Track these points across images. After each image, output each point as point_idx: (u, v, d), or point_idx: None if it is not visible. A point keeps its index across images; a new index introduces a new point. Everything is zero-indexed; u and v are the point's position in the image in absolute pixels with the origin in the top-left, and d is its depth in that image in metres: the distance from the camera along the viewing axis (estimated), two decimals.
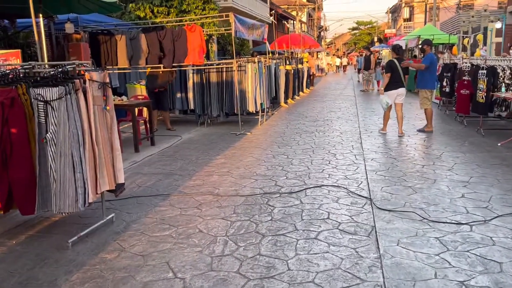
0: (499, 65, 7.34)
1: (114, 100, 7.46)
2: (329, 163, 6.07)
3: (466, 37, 13.82)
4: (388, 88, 7.86)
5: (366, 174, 5.40)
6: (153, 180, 5.49)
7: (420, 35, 16.33)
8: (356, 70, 30.66)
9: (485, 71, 7.47)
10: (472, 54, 12.71)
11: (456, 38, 18.31)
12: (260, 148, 7.27)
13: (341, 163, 6.02)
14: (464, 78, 8.68)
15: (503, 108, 7.38)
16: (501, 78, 7.20)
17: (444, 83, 10.39)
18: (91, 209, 4.21)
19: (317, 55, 40.24)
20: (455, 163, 5.77)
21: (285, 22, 34.89)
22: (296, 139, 7.93)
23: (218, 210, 4.27)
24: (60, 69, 3.56)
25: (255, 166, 6.02)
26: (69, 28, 7.45)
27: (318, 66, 33.69)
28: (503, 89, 7.18)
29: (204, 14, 11.82)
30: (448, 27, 29.28)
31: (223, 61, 10.05)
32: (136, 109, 7.82)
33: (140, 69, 10.07)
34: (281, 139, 8.05)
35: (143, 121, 8.20)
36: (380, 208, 4.16)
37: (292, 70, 14.79)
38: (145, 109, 8.29)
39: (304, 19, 45.35)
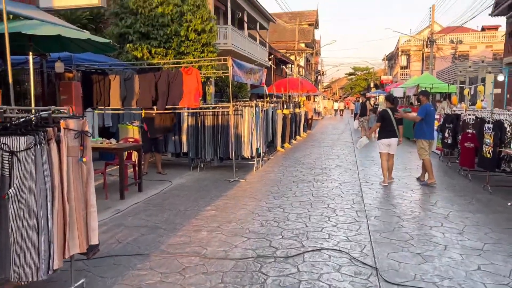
0: (506, 120, 7.05)
1: (102, 143, 7.08)
2: (328, 219, 5.60)
3: (467, 87, 13.73)
4: (380, 136, 7.95)
5: (370, 235, 4.93)
6: (136, 234, 4.99)
7: (419, 84, 16.30)
8: (353, 114, 30.77)
9: (491, 125, 7.18)
10: (472, 104, 12.56)
11: (454, 88, 18.34)
12: (254, 199, 6.81)
13: (342, 221, 5.55)
14: (468, 130, 8.39)
15: (511, 164, 7.03)
16: (509, 133, 6.90)
17: (446, 134, 10.12)
18: (60, 270, 3.69)
19: (314, 99, 40.55)
20: (465, 225, 5.32)
21: (283, 66, 35.34)
22: (292, 189, 7.49)
23: (203, 278, 3.76)
24: (33, 115, 3.18)
25: (248, 220, 5.54)
26: (59, 67, 7.18)
27: (315, 109, 33.83)
28: None
29: (202, 57, 11.69)
30: (444, 76, 29.66)
31: (219, 104, 9.77)
32: (125, 152, 7.42)
33: (134, 110, 9.77)
34: (277, 188, 7.61)
35: (131, 165, 7.77)
36: (388, 282, 3.67)
37: (290, 114, 14.56)
38: (134, 152, 7.88)
39: (302, 63, 46.09)
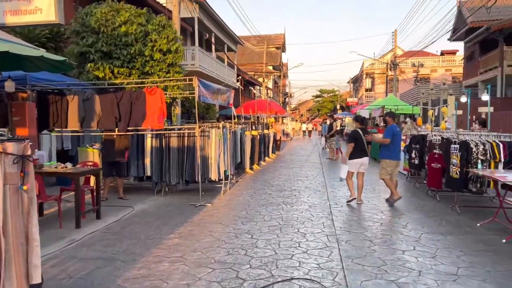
0: (472, 140, 7.11)
1: (56, 168, 6.59)
2: (299, 245, 5.34)
3: (431, 109, 14.04)
4: (352, 157, 7.98)
5: (342, 262, 4.69)
6: (90, 267, 4.55)
7: (384, 105, 16.58)
8: (320, 135, 31.06)
9: (457, 146, 7.22)
10: (437, 125, 12.81)
11: (418, 109, 18.80)
12: (221, 224, 6.48)
13: (313, 246, 5.30)
14: (434, 151, 8.44)
15: (478, 185, 7.06)
16: (475, 154, 6.94)
17: (413, 155, 10.17)
18: None
19: (282, 120, 40.80)
20: (437, 248, 5.18)
21: (251, 87, 35.49)
22: (261, 213, 7.21)
23: None
24: None
25: (214, 249, 5.20)
26: (9, 86, 6.71)
27: (283, 131, 33.97)
28: (479, 165, 6.89)
29: (168, 77, 11.39)
30: (407, 98, 30.57)
31: (185, 125, 9.45)
32: (83, 177, 6.95)
33: (93, 132, 9.29)
34: (245, 212, 7.31)
35: (89, 191, 7.28)
36: None
37: (258, 136, 14.40)
38: (92, 177, 7.40)
39: (270, 85, 46.54)
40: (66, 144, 10.27)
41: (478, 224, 6.31)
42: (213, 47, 23.95)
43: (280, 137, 20.27)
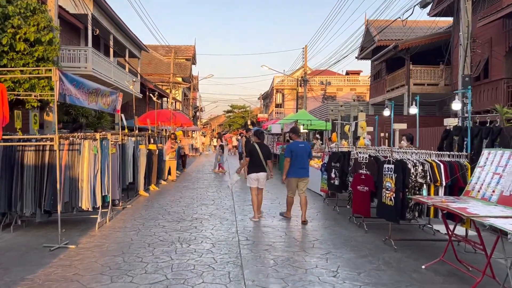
0: (409, 160, 5.87)
1: None
2: None
3: (346, 124, 13.16)
4: (249, 171, 7.90)
5: None
6: None
7: (297, 120, 15.48)
8: (235, 153, 29.31)
9: (392, 166, 5.94)
10: (355, 141, 11.90)
11: (329, 125, 18.11)
12: (77, 284, 4.32)
13: None
14: (361, 171, 7.16)
15: (416, 214, 5.83)
16: (413, 176, 5.70)
17: (333, 175, 8.89)
18: None
19: (192, 134, 38.65)
20: None
21: (151, 94, 32.88)
22: (144, 260, 5.17)
23: None
24: None
25: None
26: None
27: (192, 145, 31.82)
28: (424, 191, 5.64)
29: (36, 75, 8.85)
30: (316, 114, 30.46)
31: (43, 136, 7.05)
32: None
33: None
34: (122, 258, 5.21)
35: None
36: None
37: (157, 151, 12.25)
38: None
39: (179, 97, 44.20)
40: None
41: (423, 267, 4.99)
42: (111, 50, 21.23)
43: (185, 152, 18.20)
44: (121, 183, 9.26)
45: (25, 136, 7.00)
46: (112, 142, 8.46)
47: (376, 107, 25.37)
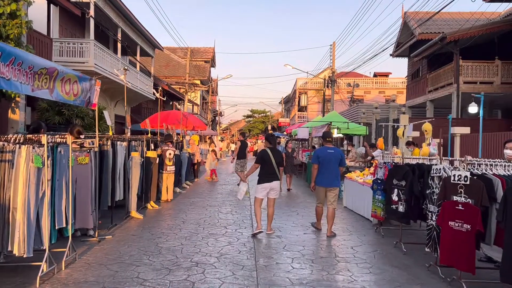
0: None
1: None
2: None
3: (398, 125, 10.45)
4: (259, 180, 7.08)
5: None
6: None
7: (331, 122, 12.80)
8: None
9: None
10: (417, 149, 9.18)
11: (365, 129, 15.39)
12: None
13: None
14: (456, 198, 4.50)
15: None
16: None
17: (395, 197, 6.25)
18: None
19: (209, 139, 36.29)
20: None
21: (175, 102, 30.77)
22: None
23: None
24: None
25: None
26: None
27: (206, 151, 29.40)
28: None
29: None
30: (345, 118, 27.71)
31: None
32: None
33: None
34: None
35: None
36: None
37: (157, 159, 9.79)
38: None
39: (198, 101, 42.09)
40: None
41: None
42: (119, 46, 19.03)
43: (198, 159, 15.76)
44: (99, 204, 6.83)
45: None
46: (85, 149, 6.04)
47: (414, 109, 22.43)
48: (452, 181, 4.55)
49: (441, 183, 4.81)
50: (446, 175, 4.77)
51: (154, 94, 16.54)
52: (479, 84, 17.36)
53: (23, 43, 7.91)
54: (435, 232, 4.95)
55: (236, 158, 13.41)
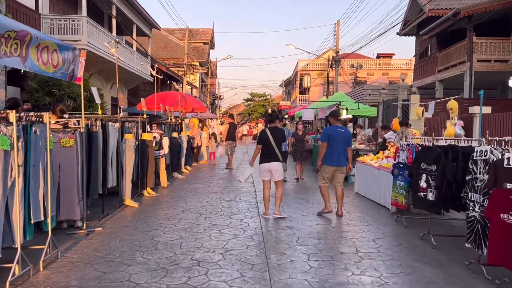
0: None
1: None
2: None
3: (415, 105, 9.63)
4: (260, 161, 6.78)
5: None
6: None
7: (340, 102, 11.97)
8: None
9: None
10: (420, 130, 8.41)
11: (375, 111, 14.56)
12: None
13: None
14: (510, 186, 3.74)
15: None
16: None
17: (423, 183, 5.49)
18: None
19: (209, 123, 35.44)
20: None
21: (173, 82, 29.81)
22: None
23: None
24: None
25: None
26: None
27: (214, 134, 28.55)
28: None
29: None
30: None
31: None
32: None
33: None
34: None
35: None
36: None
37: (154, 142, 9.01)
38: None
39: (197, 83, 41.07)
40: None
41: None
42: (114, 23, 18.03)
43: (198, 143, 14.98)
44: (88, 192, 6.08)
45: None
46: (69, 130, 5.27)
47: (422, 90, 21.51)
48: (505, 165, 3.78)
49: (488, 168, 4.03)
50: (495, 158, 3.99)
51: (150, 73, 15.66)
52: (494, 62, 16.46)
53: (0, 11, 7.05)
54: (479, 225, 4.21)
55: (224, 140, 13.18)
